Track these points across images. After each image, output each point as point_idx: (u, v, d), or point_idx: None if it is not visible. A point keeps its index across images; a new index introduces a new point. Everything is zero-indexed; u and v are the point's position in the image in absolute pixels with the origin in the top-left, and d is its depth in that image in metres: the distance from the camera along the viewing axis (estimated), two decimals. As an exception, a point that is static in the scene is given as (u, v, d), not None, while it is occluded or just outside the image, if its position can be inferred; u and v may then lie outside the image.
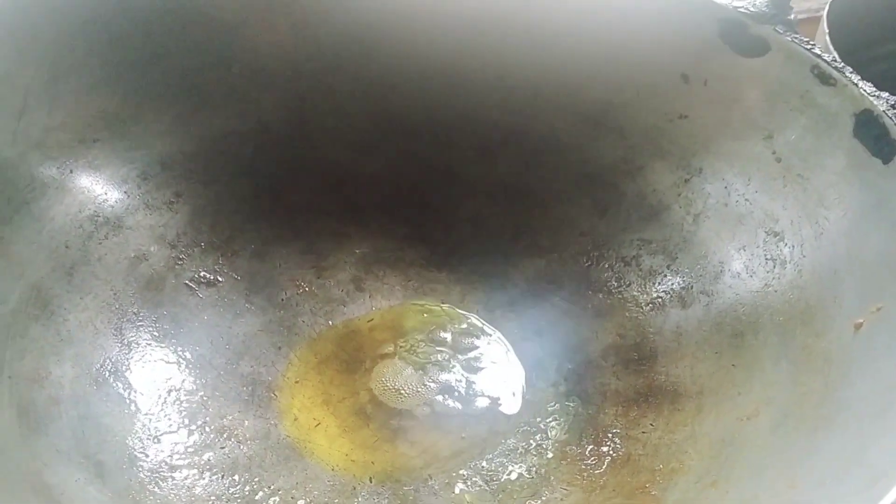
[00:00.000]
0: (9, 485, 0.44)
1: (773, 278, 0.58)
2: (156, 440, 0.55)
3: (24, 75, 0.57)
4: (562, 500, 0.54)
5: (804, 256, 0.56)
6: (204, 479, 0.54)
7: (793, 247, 0.57)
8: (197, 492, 0.53)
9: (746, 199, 0.61)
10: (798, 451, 0.47)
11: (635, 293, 0.64)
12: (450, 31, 0.66)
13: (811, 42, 0.56)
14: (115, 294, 0.60)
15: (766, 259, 0.59)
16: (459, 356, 0.64)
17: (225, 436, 0.57)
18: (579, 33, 0.64)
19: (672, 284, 0.63)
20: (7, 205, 0.55)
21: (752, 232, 0.60)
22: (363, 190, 0.70)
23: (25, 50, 0.56)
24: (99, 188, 0.62)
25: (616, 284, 0.66)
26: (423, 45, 0.67)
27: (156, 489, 0.52)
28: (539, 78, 0.67)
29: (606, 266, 0.66)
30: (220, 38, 0.64)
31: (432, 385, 0.62)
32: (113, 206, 0.62)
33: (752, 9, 0.58)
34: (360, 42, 0.66)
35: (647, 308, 0.63)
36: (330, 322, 0.66)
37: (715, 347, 0.58)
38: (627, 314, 0.64)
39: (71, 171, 0.60)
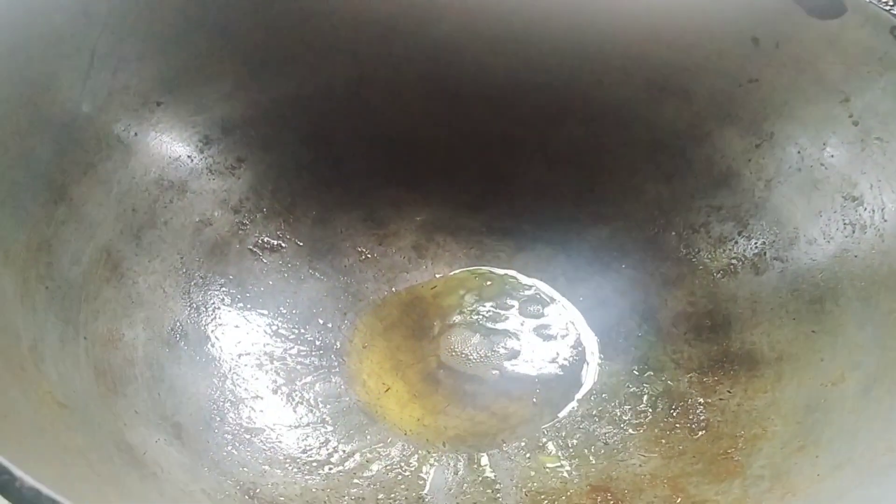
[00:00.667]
0: (96, 443, 0.43)
1: (853, 243, 0.56)
2: (230, 403, 0.54)
3: (90, 35, 0.56)
4: (640, 466, 0.53)
5: (885, 220, 0.55)
6: (280, 442, 0.53)
7: (873, 211, 0.56)
8: (273, 455, 0.52)
9: (822, 164, 0.59)
10: (894, 413, 0.45)
11: (705, 260, 0.63)
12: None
13: (890, 2, 0.54)
14: (181, 258, 0.59)
15: (845, 224, 0.57)
16: (527, 322, 0.63)
17: (297, 400, 0.57)
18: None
19: (744, 251, 0.62)
20: (76, 166, 0.55)
21: (828, 197, 0.59)
22: (422, 157, 0.69)
23: (92, 9, 0.55)
24: (163, 152, 0.61)
25: (685, 252, 0.64)
26: (483, 9, 0.65)
27: (234, 451, 0.51)
28: (601, 41, 0.66)
29: (674, 233, 0.65)
30: (280, 3, 0.62)
31: (501, 351, 0.61)
32: (177, 170, 0.61)
33: (827, -31, 0.57)
34: (420, 6, 0.64)
35: (719, 275, 0.62)
36: (393, 289, 0.65)
37: (792, 314, 0.57)
38: (698, 281, 0.63)
39: (135, 134, 0.59)
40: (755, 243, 0.62)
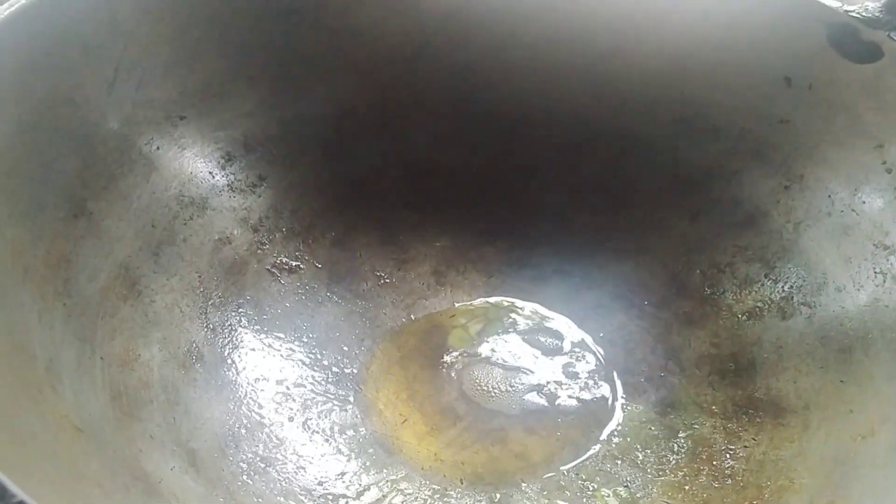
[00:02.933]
0: (111, 470, 0.42)
1: (884, 293, 0.55)
2: (246, 430, 0.53)
3: (115, 47, 0.55)
4: (663, 512, 0.52)
5: (919, 272, 0.54)
6: (296, 473, 0.52)
7: (905, 261, 0.55)
8: (289, 486, 0.51)
9: (853, 210, 0.58)
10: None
11: (730, 301, 0.62)
12: (540, 20, 0.64)
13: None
14: (199, 277, 0.58)
15: (875, 272, 0.56)
16: (546, 358, 0.62)
17: (313, 429, 0.56)
18: (676, 28, 0.62)
19: (770, 294, 0.60)
20: (97, 179, 0.54)
21: (858, 244, 0.58)
22: (444, 181, 0.69)
23: (118, 22, 0.54)
24: (184, 167, 0.60)
25: (709, 291, 0.63)
26: (512, 35, 0.65)
27: (249, 481, 0.50)
28: (631, 73, 0.65)
29: (698, 272, 0.64)
30: (307, 21, 0.62)
31: (520, 386, 0.60)
32: (198, 187, 0.60)
33: (864, 14, 0.56)
34: (447, 30, 0.64)
35: (744, 317, 0.61)
36: (412, 316, 0.64)
37: (820, 362, 0.56)
38: (722, 322, 0.62)
39: (158, 149, 0.58)
40: (782, 287, 0.61)
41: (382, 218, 0.67)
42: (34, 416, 0.40)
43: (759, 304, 0.61)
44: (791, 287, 0.60)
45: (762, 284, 0.61)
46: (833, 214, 0.59)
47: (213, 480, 0.48)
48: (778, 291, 0.60)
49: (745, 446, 0.55)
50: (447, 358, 0.61)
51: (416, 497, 0.52)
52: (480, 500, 0.53)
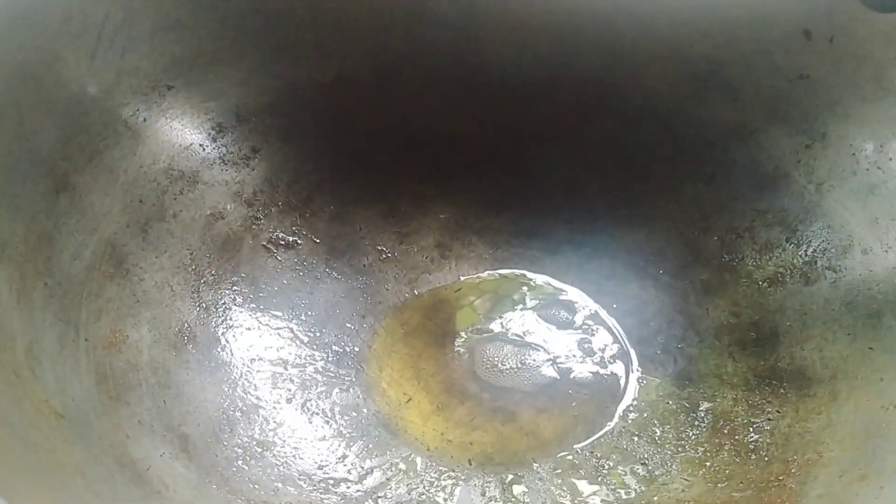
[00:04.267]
0: (95, 458, 0.39)
1: (914, 254, 0.52)
2: (241, 413, 0.50)
3: (98, 12, 0.52)
4: (683, 491, 0.49)
5: (951, 231, 0.50)
6: (294, 457, 0.49)
7: (937, 220, 0.51)
8: (287, 471, 0.48)
9: (879, 168, 0.55)
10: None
11: (750, 268, 0.59)
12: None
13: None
14: (191, 254, 0.55)
15: (905, 233, 0.53)
16: (558, 332, 0.59)
17: (312, 411, 0.53)
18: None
19: (793, 259, 0.57)
20: (80, 152, 0.51)
21: (886, 203, 0.54)
22: (448, 150, 0.65)
23: (100, -15, 0.51)
24: (173, 139, 0.57)
25: (727, 258, 0.60)
26: (516, -2, 0.61)
27: (244, 467, 0.47)
28: (641, 32, 0.61)
29: (716, 238, 0.61)
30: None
31: (530, 361, 0.57)
32: (188, 160, 0.57)
33: (887, -41, 0.53)
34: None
35: (765, 284, 0.58)
36: (415, 291, 0.61)
37: (847, 328, 0.53)
38: (742, 290, 0.59)
39: (144, 120, 0.55)
40: (805, 251, 0.57)
41: (383, 190, 0.64)
42: (10, 401, 0.37)
43: (781, 270, 0.58)
44: (814, 251, 0.57)
45: (783, 249, 0.58)
46: (858, 173, 0.56)
47: (207, 466, 0.45)
48: (800, 256, 0.57)
49: (770, 419, 0.52)
50: (453, 334, 0.58)
51: (422, 480, 0.50)
52: (490, 482, 0.50)
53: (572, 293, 0.61)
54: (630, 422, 0.54)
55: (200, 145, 0.58)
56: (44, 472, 0.36)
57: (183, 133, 0.57)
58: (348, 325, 0.58)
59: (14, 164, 0.47)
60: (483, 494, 0.49)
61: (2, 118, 0.46)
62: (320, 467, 0.49)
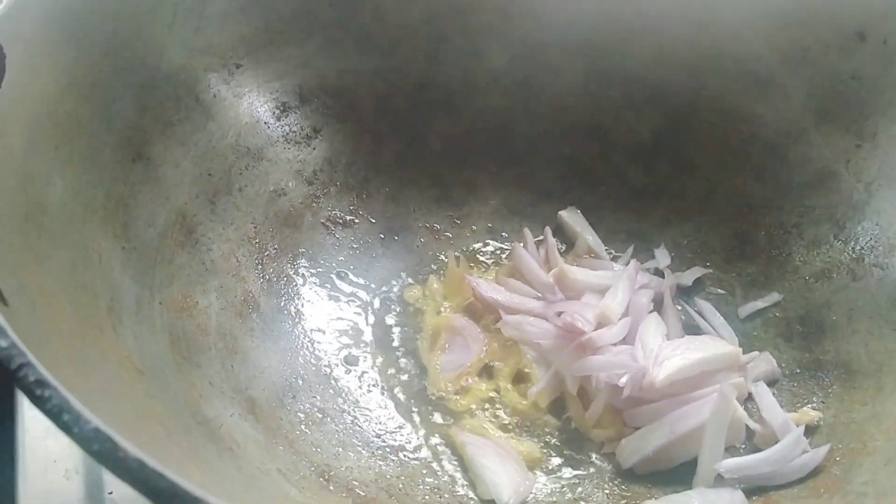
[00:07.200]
0: (174, 412, 0.41)
1: (961, 253, 0.53)
2: (303, 381, 0.52)
3: (174, -10, 0.54)
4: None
5: None
6: (354, 424, 0.51)
7: None
8: (347, 437, 0.50)
9: (929, 169, 0.56)
10: None
11: (797, 263, 0.60)
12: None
13: None
14: (255, 227, 0.57)
15: (953, 233, 0.54)
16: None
17: (370, 382, 0.55)
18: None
19: (840, 255, 0.58)
20: (155, 124, 0.53)
21: (934, 203, 0.55)
22: (500, 139, 0.67)
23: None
24: (241, 116, 0.59)
25: (774, 252, 0.62)
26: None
27: (307, 431, 0.49)
28: (694, 30, 0.63)
29: (763, 233, 0.62)
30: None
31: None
32: (254, 137, 0.59)
33: (945, -37, 0.53)
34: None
35: (811, 279, 0.59)
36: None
37: (893, 324, 0.54)
38: (788, 284, 0.60)
39: (214, 97, 0.57)
40: (852, 247, 0.58)
41: (437, 174, 0.66)
42: (97, 354, 0.39)
43: (828, 266, 0.59)
44: (862, 248, 0.58)
45: (831, 245, 0.59)
46: (907, 173, 0.57)
47: (273, 429, 0.47)
48: (848, 252, 0.58)
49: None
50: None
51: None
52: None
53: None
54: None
55: (266, 123, 0.60)
56: (131, 419, 0.37)
57: (250, 110, 0.59)
58: (404, 302, 0.60)
59: (94, 132, 0.48)
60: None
61: (84, 90, 0.48)
62: (378, 435, 0.51)
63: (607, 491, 0.50)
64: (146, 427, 0.38)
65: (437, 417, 0.53)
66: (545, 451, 0.52)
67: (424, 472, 0.49)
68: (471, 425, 0.52)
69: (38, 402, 0.29)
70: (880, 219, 0.58)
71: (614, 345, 0.54)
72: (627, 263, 0.61)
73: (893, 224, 0.57)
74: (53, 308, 0.38)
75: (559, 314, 0.54)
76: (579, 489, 0.50)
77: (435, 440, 0.51)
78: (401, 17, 0.63)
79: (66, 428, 0.28)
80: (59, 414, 0.29)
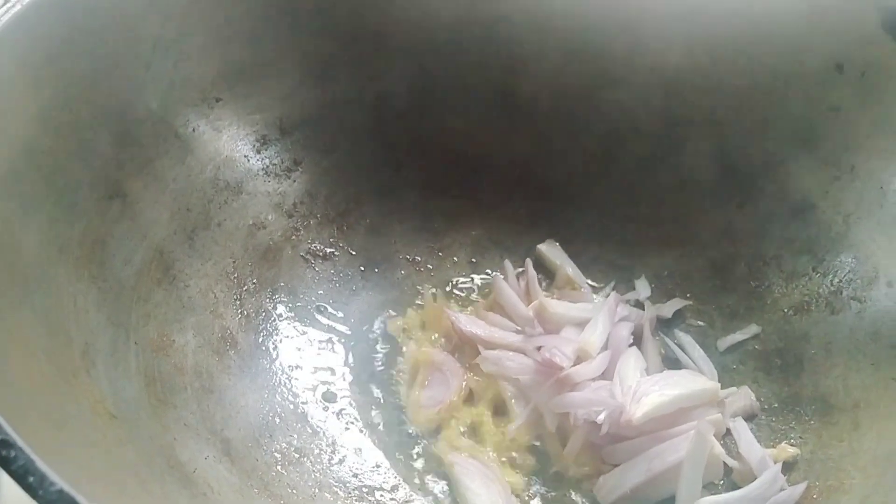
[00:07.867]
0: (147, 459, 0.41)
1: (940, 288, 0.53)
2: (280, 419, 0.52)
3: (152, 24, 0.54)
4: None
5: (976, 267, 0.52)
6: (330, 464, 0.51)
7: (964, 257, 0.53)
8: (323, 478, 0.50)
9: (905, 202, 0.56)
10: None
11: (776, 295, 0.60)
12: (581, 5, 0.62)
13: None
14: (234, 262, 0.57)
15: (930, 268, 0.54)
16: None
17: (348, 419, 0.54)
18: (723, 14, 0.60)
19: (819, 288, 0.59)
20: (132, 160, 0.53)
21: (912, 237, 0.55)
22: (481, 169, 0.67)
23: (156, -1, 0.53)
24: (220, 150, 0.59)
25: (754, 284, 0.62)
26: (554, 19, 0.63)
27: (283, 472, 0.49)
28: (673, 60, 0.63)
29: (743, 264, 0.63)
30: (348, 4, 0.61)
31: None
32: (233, 170, 0.59)
33: (921, -3, 0.54)
34: (488, 12, 0.62)
35: (790, 311, 0.59)
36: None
37: (871, 358, 0.54)
38: (767, 317, 0.60)
39: (193, 131, 0.57)
40: (831, 280, 0.59)
41: (418, 205, 0.66)
42: (70, 401, 0.39)
43: (807, 298, 0.59)
44: (840, 281, 0.58)
45: (810, 278, 0.60)
46: (885, 206, 0.58)
47: (248, 470, 0.47)
48: (827, 285, 0.59)
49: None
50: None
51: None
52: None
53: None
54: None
55: (245, 156, 0.60)
56: (103, 470, 0.37)
57: (230, 143, 0.59)
58: (383, 338, 0.60)
59: (72, 169, 0.48)
60: None
61: (60, 125, 0.47)
62: (355, 475, 0.51)
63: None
64: (118, 478, 0.37)
65: (417, 455, 0.52)
66: (524, 488, 0.51)
67: (402, 513, 0.49)
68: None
69: (3, 463, 0.29)
70: (858, 252, 0.58)
71: (593, 380, 0.53)
72: (608, 295, 0.60)
73: (871, 257, 0.57)
74: (27, 356, 0.38)
75: (538, 348, 0.54)
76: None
77: (414, 479, 0.51)
78: (382, 49, 0.63)
79: (30, 490, 0.28)
80: (24, 476, 0.28)
